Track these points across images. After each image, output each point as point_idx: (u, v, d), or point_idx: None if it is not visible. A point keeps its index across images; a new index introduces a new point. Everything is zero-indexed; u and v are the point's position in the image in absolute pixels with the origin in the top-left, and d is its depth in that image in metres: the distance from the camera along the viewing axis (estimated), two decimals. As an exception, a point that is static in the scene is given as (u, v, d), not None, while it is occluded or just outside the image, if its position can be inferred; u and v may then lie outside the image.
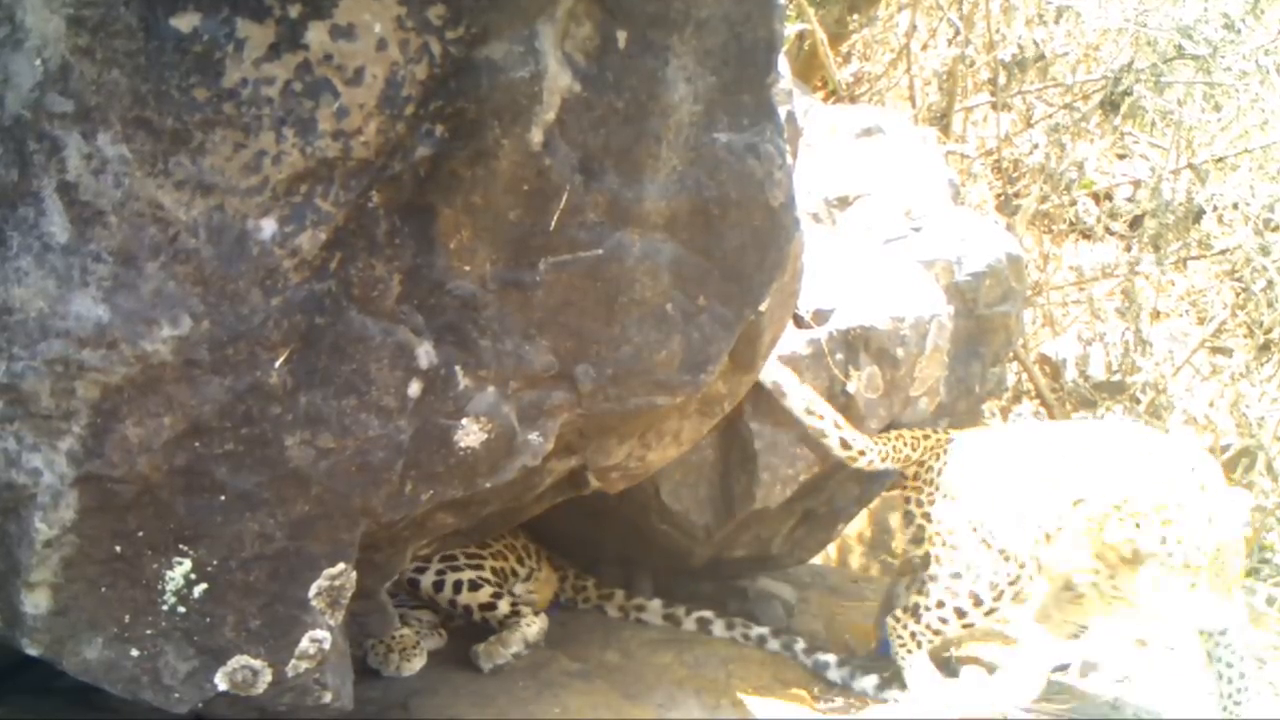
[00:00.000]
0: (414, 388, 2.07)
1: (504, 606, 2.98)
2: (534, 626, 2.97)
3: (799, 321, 3.08)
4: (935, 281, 3.39)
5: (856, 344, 3.12)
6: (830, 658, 3.23)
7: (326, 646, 2.06)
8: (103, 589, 1.91)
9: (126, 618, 1.94)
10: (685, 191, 2.20)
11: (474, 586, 2.98)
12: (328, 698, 2.07)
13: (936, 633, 2.94)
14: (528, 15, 1.97)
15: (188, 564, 1.95)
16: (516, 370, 2.15)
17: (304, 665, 2.05)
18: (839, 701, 3.08)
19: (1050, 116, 5.67)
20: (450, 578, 2.97)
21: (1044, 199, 5.43)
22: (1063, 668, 2.98)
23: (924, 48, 5.78)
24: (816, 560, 4.06)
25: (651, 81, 2.11)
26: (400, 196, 2.01)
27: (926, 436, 3.13)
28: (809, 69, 5.16)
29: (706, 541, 3.09)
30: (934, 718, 2.84)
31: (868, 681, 3.15)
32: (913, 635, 2.99)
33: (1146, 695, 2.88)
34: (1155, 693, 2.92)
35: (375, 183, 1.96)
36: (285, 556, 2.01)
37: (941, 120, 5.63)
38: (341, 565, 2.06)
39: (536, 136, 2.03)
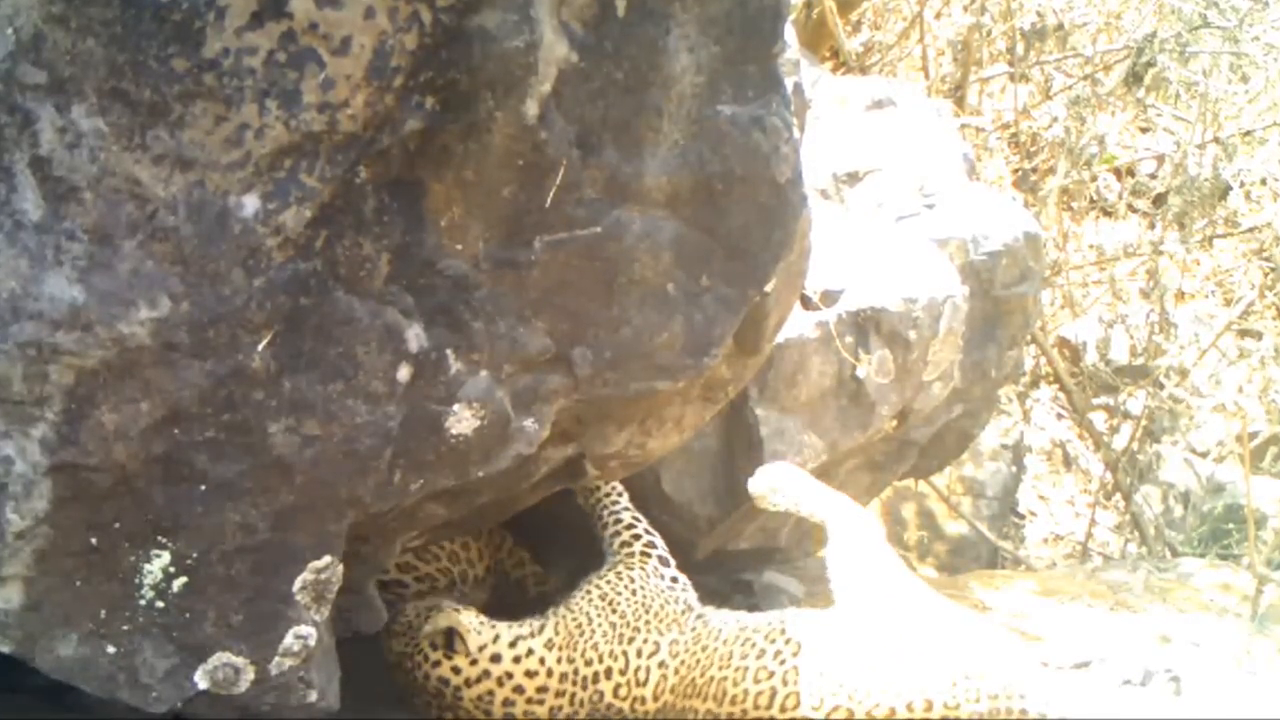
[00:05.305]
0: (403, 372, 2.03)
1: None
2: None
3: (806, 303, 3.08)
4: (949, 261, 3.39)
5: (867, 326, 3.11)
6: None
7: (312, 643, 2.03)
8: (77, 583, 1.89)
9: (102, 613, 1.92)
10: (687, 166, 2.17)
11: None
12: (313, 696, 2.05)
13: None
14: (522, -19, 1.94)
15: (166, 557, 1.92)
16: (511, 354, 2.12)
17: (288, 663, 2.03)
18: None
19: (1070, 88, 5.62)
20: None
21: (1064, 174, 5.38)
22: (1084, 664, 2.94)
23: (938, 16, 5.73)
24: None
25: (652, 51, 2.08)
26: (389, 172, 1.97)
27: None
28: (817, 38, 5.11)
29: (710, 533, 3.09)
30: None
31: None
32: None
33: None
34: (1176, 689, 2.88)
35: (363, 157, 1.93)
36: (268, 549, 1.98)
37: (956, 92, 5.59)
38: (327, 558, 2.04)
39: (531, 109, 2.00)
